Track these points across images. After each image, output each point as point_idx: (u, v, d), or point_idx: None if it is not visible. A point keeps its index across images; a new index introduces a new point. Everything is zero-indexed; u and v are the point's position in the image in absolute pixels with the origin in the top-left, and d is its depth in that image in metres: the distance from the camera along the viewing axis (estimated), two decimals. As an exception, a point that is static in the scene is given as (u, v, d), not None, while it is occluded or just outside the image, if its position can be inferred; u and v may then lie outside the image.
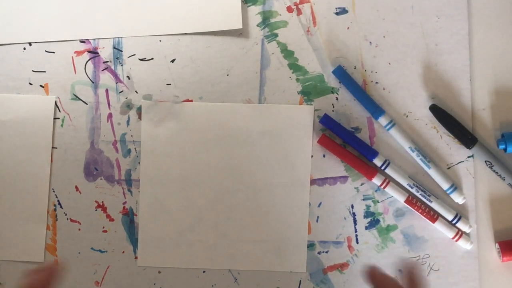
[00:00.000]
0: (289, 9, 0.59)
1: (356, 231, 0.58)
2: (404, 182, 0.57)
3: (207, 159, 0.58)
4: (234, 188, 0.58)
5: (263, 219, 0.58)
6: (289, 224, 0.58)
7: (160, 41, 0.59)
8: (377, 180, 0.58)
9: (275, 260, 0.57)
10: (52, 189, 0.59)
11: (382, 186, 0.58)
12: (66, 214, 0.59)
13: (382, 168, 0.57)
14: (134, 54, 0.59)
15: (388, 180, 0.58)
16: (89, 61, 0.59)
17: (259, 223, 0.58)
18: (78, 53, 0.59)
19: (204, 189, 0.58)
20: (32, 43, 0.59)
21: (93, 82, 0.59)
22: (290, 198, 0.58)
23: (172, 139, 0.58)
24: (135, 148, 0.59)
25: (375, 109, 0.57)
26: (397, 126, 0.57)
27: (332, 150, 0.58)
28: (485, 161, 0.56)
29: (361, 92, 0.58)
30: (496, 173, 0.57)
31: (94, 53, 0.59)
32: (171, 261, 0.58)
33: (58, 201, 0.59)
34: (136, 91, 0.59)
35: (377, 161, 0.57)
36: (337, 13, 0.59)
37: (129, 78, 0.59)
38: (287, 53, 0.59)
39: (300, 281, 0.58)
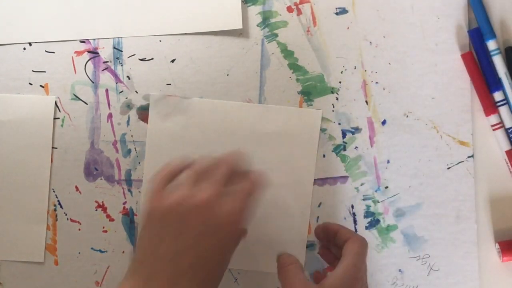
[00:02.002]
0: (289, 9, 0.59)
1: (356, 231, 0.58)
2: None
3: None
4: None
5: (263, 219, 0.57)
6: (289, 225, 0.57)
7: (160, 41, 0.59)
8: (492, 119, 0.58)
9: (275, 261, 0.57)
10: (52, 189, 0.59)
11: (493, 128, 0.58)
12: (66, 214, 0.59)
13: (498, 104, 0.57)
14: (134, 54, 0.59)
15: (502, 124, 0.57)
16: (89, 61, 0.59)
17: (260, 223, 0.57)
18: (78, 53, 0.59)
19: None
20: (32, 43, 0.59)
21: (93, 82, 0.59)
22: (292, 200, 0.57)
23: (178, 134, 0.58)
24: (135, 148, 0.59)
25: (489, 32, 0.57)
26: (501, 55, 0.57)
27: (469, 69, 0.58)
28: None
29: (482, 12, 0.58)
30: None
31: (94, 53, 0.59)
32: None
33: (58, 201, 0.59)
34: (136, 91, 0.59)
35: (498, 95, 0.57)
36: (337, 13, 0.59)
37: (129, 78, 0.59)
38: (287, 53, 0.59)
39: (300, 281, 0.58)
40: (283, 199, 0.57)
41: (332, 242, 0.54)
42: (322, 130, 0.59)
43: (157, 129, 0.58)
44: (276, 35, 0.59)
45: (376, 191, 0.59)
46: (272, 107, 0.58)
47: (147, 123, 0.59)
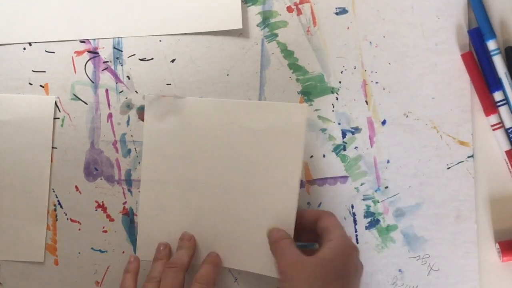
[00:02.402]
0: (289, 9, 0.59)
1: (356, 231, 0.58)
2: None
3: (206, 156, 0.57)
4: (229, 187, 0.57)
5: (256, 219, 0.56)
6: (275, 224, 0.55)
7: (160, 41, 0.59)
8: (492, 119, 0.58)
9: (271, 262, 0.55)
10: (52, 189, 0.59)
11: (493, 128, 0.58)
12: (66, 214, 0.59)
13: (498, 104, 0.57)
14: (134, 54, 0.59)
15: (501, 124, 0.57)
16: (89, 61, 0.59)
17: (254, 223, 0.57)
18: (78, 53, 0.59)
19: (202, 187, 0.58)
20: (32, 43, 0.59)
21: (93, 82, 0.59)
22: (277, 200, 0.55)
23: (173, 134, 0.58)
24: (135, 148, 0.59)
25: (489, 32, 0.57)
26: (501, 55, 0.57)
27: (469, 69, 0.58)
28: None
29: (482, 12, 0.58)
30: None
31: (94, 53, 0.59)
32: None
33: (58, 201, 0.59)
34: (136, 91, 0.59)
35: (497, 95, 0.57)
36: (337, 13, 0.59)
37: (129, 78, 0.59)
38: (287, 53, 0.59)
39: (300, 281, 0.58)
40: (270, 199, 0.56)
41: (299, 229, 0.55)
42: (322, 130, 0.59)
43: (153, 129, 0.58)
44: (276, 35, 0.59)
45: (376, 191, 0.59)
46: (258, 103, 0.58)
47: (147, 123, 0.59)
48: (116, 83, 0.59)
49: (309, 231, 0.55)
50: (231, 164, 0.57)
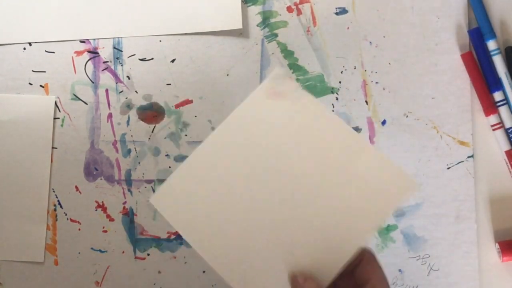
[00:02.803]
0: (289, 9, 0.59)
1: (356, 231, 0.58)
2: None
3: (286, 160, 0.47)
4: (284, 210, 0.47)
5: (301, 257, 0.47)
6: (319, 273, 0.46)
7: (160, 41, 0.59)
8: (492, 119, 0.58)
9: None
10: (52, 189, 0.59)
11: (493, 128, 0.58)
12: (66, 214, 0.59)
13: (498, 104, 0.58)
14: (134, 54, 0.59)
15: (501, 124, 0.58)
16: (89, 61, 0.59)
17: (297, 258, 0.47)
18: (78, 53, 0.59)
19: (270, 190, 0.47)
20: (32, 43, 0.59)
21: (93, 82, 0.59)
22: (334, 246, 0.46)
23: (267, 119, 0.48)
24: (135, 148, 0.59)
25: (489, 32, 0.58)
26: (501, 55, 0.58)
27: (469, 69, 0.58)
28: None
29: (482, 12, 0.58)
30: None
31: (94, 53, 0.59)
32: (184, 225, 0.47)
33: (58, 201, 0.59)
34: (136, 91, 0.59)
35: (497, 95, 0.58)
36: (337, 13, 0.59)
37: (129, 78, 0.59)
38: (287, 53, 0.59)
39: (300, 281, 0.58)
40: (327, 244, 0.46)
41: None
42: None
43: (255, 103, 0.48)
44: (276, 35, 0.59)
45: (376, 191, 0.58)
46: (375, 153, 0.48)
47: (147, 123, 0.59)
48: (116, 83, 0.59)
49: (344, 273, 0.45)
50: (305, 191, 0.47)
